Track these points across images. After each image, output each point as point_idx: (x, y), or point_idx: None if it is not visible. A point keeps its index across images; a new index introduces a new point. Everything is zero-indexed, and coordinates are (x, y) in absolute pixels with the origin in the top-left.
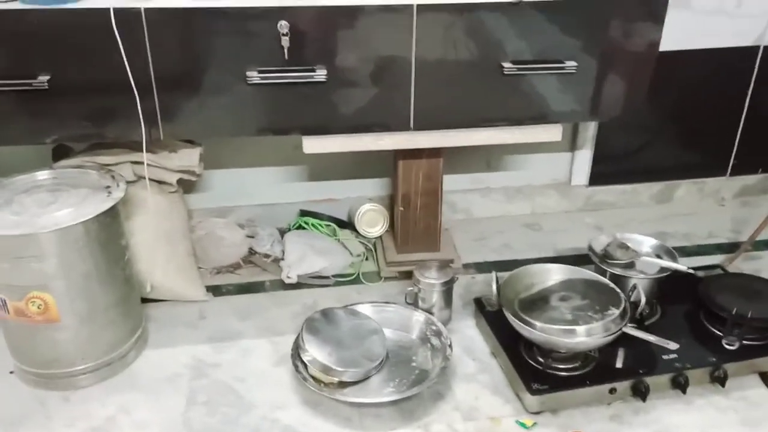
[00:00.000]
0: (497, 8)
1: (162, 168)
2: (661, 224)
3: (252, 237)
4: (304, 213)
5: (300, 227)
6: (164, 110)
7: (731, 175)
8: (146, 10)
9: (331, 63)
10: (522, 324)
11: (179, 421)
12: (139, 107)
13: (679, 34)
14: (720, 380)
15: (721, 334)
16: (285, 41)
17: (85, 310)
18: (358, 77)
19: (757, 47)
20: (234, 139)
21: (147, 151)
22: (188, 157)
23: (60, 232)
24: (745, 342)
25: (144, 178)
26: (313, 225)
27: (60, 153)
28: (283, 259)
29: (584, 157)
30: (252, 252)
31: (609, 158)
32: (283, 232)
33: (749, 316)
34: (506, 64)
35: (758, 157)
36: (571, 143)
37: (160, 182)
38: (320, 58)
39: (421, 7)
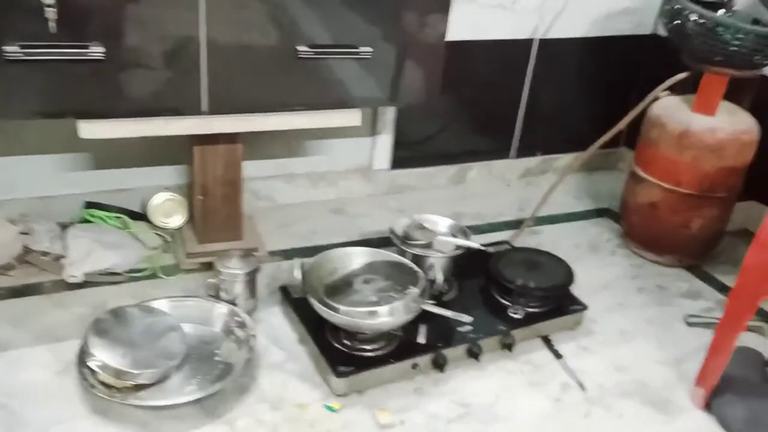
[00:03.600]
0: None
1: None
2: (457, 205)
3: (26, 234)
4: (90, 205)
5: (86, 221)
6: None
7: (515, 157)
8: None
9: (108, 39)
10: (326, 309)
11: None
12: None
13: (465, 26)
14: (509, 346)
15: (508, 304)
16: (50, 12)
17: None
18: (142, 56)
19: (531, 40)
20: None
21: None
22: None
23: None
24: (528, 310)
25: None
26: (100, 218)
27: None
28: (65, 256)
29: (385, 142)
30: (27, 250)
31: (408, 143)
32: (65, 227)
33: (531, 285)
34: (301, 48)
35: (537, 141)
36: (372, 128)
37: None
38: (95, 33)
39: None
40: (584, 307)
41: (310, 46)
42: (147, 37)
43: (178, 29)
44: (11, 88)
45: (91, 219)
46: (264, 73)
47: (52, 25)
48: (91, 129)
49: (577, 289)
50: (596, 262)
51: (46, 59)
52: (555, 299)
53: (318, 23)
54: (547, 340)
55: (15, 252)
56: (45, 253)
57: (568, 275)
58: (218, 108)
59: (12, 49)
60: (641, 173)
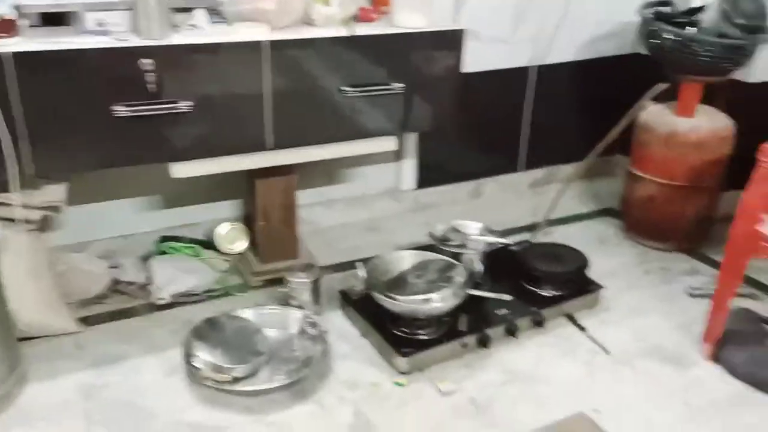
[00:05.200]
0: (335, 42)
1: (25, 206)
2: (477, 215)
3: (115, 267)
4: (164, 239)
5: (163, 253)
6: (34, 150)
7: (524, 170)
8: (14, 54)
9: (194, 95)
10: (389, 300)
11: None
12: (7, 149)
13: (473, 58)
14: (540, 323)
15: (536, 289)
16: (149, 77)
17: None
18: (220, 106)
19: (528, 67)
20: (87, 175)
21: (8, 190)
22: (53, 193)
23: None
24: (554, 293)
25: (3, 218)
26: (176, 249)
27: None
28: (149, 284)
29: (410, 166)
30: (116, 281)
31: (430, 165)
32: (145, 260)
33: (555, 271)
34: (344, 88)
35: (541, 155)
36: (398, 154)
37: (23, 221)
38: (184, 90)
39: (272, 43)
40: (601, 287)
41: (353, 86)
42: (224, 90)
43: (248, 81)
44: (117, 141)
45: (168, 251)
46: (316, 112)
47: (150, 87)
48: (181, 169)
49: (592, 275)
50: (605, 253)
51: (147, 114)
52: (575, 282)
53: (358, 67)
54: (571, 318)
55: (107, 283)
56: (132, 283)
57: (584, 260)
58: (280, 144)
59: (120, 109)
60: (638, 172)
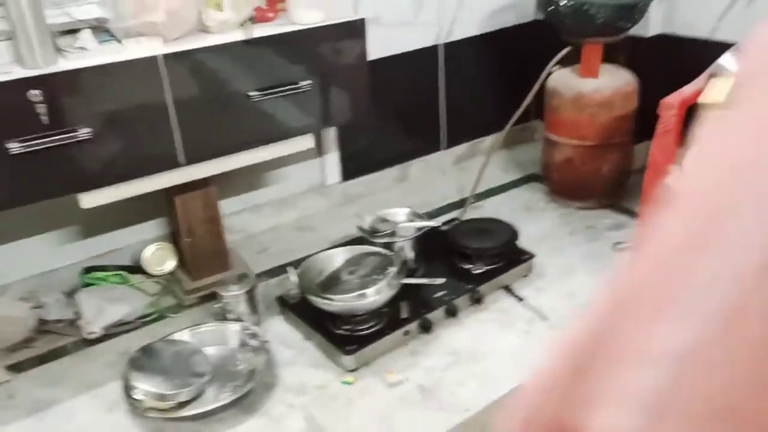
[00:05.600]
0: (233, 47)
1: None
2: (406, 199)
3: (39, 307)
4: (88, 270)
5: (88, 284)
6: None
7: (446, 148)
8: None
9: (92, 120)
10: (324, 301)
11: None
12: None
13: (378, 45)
14: (478, 300)
15: (470, 266)
16: (40, 108)
17: None
18: (123, 129)
19: (437, 46)
20: None
21: None
22: None
23: None
24: (487, 268)
25: None
26: (102, 278)
27: None
28: (78, 319)
29: (333, 159)
30: (43, 322)
31: (352, 155)
32: (70, 295)
33: (485, 246)
34: (252, 93)
35: (461, 130)
36: (319, 149)
37: None
38: (81, 117)
39: (167, 56)
40: (532, 256)
41: (259, 90)
42: (124, 111)
43: (148, 98)
44: (16, 179)
45: (93, 281)
46: (226, 120)
47: (44, 119)
48: (91, 198)
49: (522, 244)
50: (533, 219)
51: (43, 147)
52: (507, 254)
53: (261, 69)
54: (508, 289)
55: (32, 326)
56: (59, 321)
57: (513, 232)
58: (193, 158)
59: (13, 146)
60: (553, 137)
